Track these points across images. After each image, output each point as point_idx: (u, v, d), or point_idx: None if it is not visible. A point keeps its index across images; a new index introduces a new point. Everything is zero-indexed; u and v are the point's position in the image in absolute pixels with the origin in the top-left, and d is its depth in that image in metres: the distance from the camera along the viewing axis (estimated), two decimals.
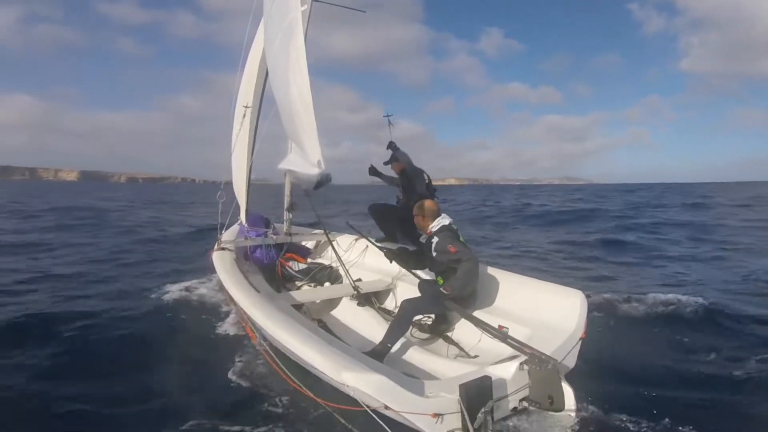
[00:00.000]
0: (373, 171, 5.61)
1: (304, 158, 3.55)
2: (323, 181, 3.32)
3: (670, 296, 5.76)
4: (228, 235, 5.60)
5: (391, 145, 5.46)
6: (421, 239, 4.00)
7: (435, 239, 3.79)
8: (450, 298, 3.70)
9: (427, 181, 5.29)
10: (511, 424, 2.81)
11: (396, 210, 5.39)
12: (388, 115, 5.71)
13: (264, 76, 5.39)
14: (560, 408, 2.85)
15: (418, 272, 4.39)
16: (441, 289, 3.73)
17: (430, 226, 3.89)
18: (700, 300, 5.61)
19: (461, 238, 3.87)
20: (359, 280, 4.91)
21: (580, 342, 3.48)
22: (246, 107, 5.53)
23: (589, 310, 3.68)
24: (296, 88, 3.39)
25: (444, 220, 3.90)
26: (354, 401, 2.58)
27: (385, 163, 5.41)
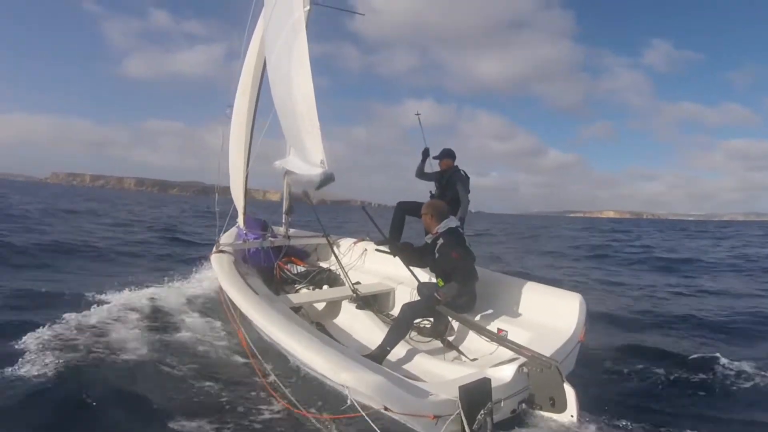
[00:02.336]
0: (426, 153, 5.46)
1: (304, 159, 3.55)
2: (326, 181, 3.30)
3: None
4: (226, 238, 5.58)
5: (426, 152, 5.41)
6: (426, 239, 4.01)
7: (440, 241, 3.80)
8: (443, 303, 3.72)
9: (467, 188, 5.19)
10: (510, 426, 2.80)
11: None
12: (418, 114, 5.74)
13: (260, 77, 5.39)
14: (562, 409, 2.85)
15: (419, 272, 4.38)
16: (435, 294, 3.74)
17: (437, 227, 3.89)
18: None
19: (467, 243, 3.89)
20: (358, 283, 4.90)
21: (579, 345, 3.49)
22: (231, 107, 5.53)
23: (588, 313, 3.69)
24: (299, 89, 3.40)
25: (451, 223, 3.91)
26: (344, 409, 2.56)
27: (435, 157, 5.34)
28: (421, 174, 5.45)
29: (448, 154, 5.25)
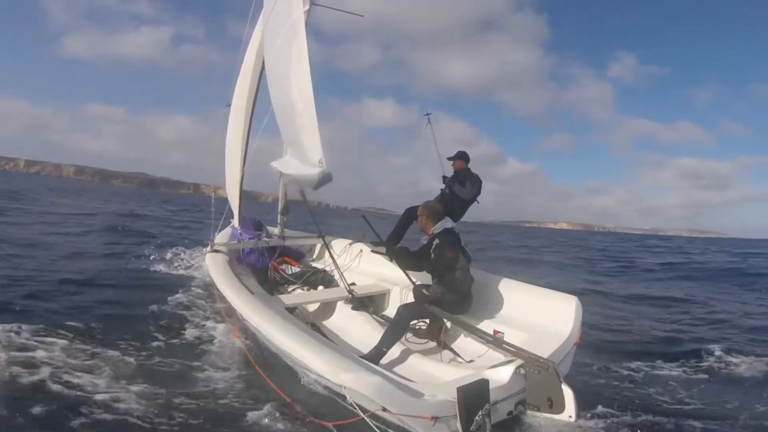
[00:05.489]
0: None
1: (302, 159, 3.54)
2: (324, 181, 3.30)
3: None
4: (221, 238, 5.54)
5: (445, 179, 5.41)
6: (422, 240, 4.01)
7: (436, 241, 3.80)
8: (431, 301, 3.71)
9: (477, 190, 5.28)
10: (508, 427, 2.80)
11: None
12: (428, 114, 5.76)
13: (258, 79, 5.36)
14: (560, 410, 2.86)
15: (415, 274, 4.37)
16: (423, 290, 3.73)
17: (433, 228, 3.90)
18: None
19: (462, 243, 3.89)
20: (354, 284, 4.88)
21: (575, 347, 3.50)
22: (227, 106, 5.50)
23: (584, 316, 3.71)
24: (298, 89, 3.40)
25: (446, 223, 3.92)
26: (341, 414, 2.54)
27: (449, 158, 5.42)
28: (459, 192, 5.32)
29: (461, 157, 5.36)
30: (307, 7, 4.00)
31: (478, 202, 5.27)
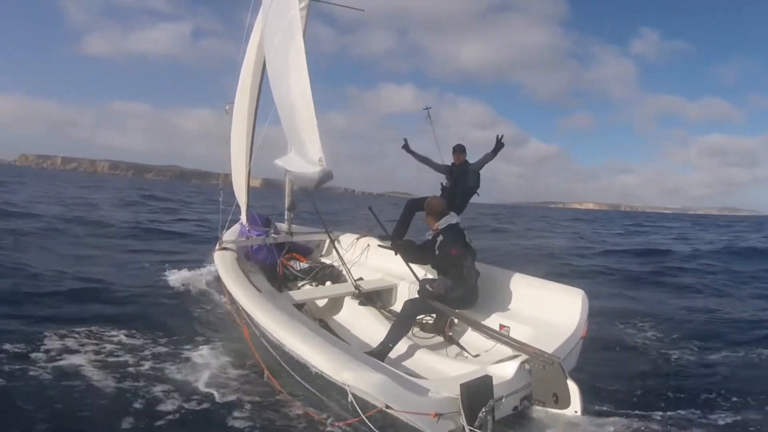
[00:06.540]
0: (407, 148, 5.58)
1: (303, 157, 3.54)
2: (324, 179, 3.29)
3: None
4: (229, 235, 5.59)
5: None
6: (427, 235, 4.00)
7: (440, 237, 3.78)
8: (435, 297, 3.70)
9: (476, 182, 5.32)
10: (513, 423, 2.80)
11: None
12: (427, 108, 5.75)
13: (260, 74, 5.36)
14: (566, 406, 2.85)
15: (421, 269, 4.37)
16: (427, 286, 3.72)
17: (437, 224, 3.88)
18: None
19: (468, 239, 3.87)
20: (361, 279, 4.90)
21: (581, 341, 3.48)
22: (231, 104, 5.50)
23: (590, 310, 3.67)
24: (297, 87, 3.39)
25: (451, 219, 3.89)
26: (346, 412, 2.57)
27: (453, 151, 5.41)
28: (425, 161, 5.48)
29: (462, 150, 5.35)
30: (305, 2, 3.96)
31: (478, 194, 5.30)
